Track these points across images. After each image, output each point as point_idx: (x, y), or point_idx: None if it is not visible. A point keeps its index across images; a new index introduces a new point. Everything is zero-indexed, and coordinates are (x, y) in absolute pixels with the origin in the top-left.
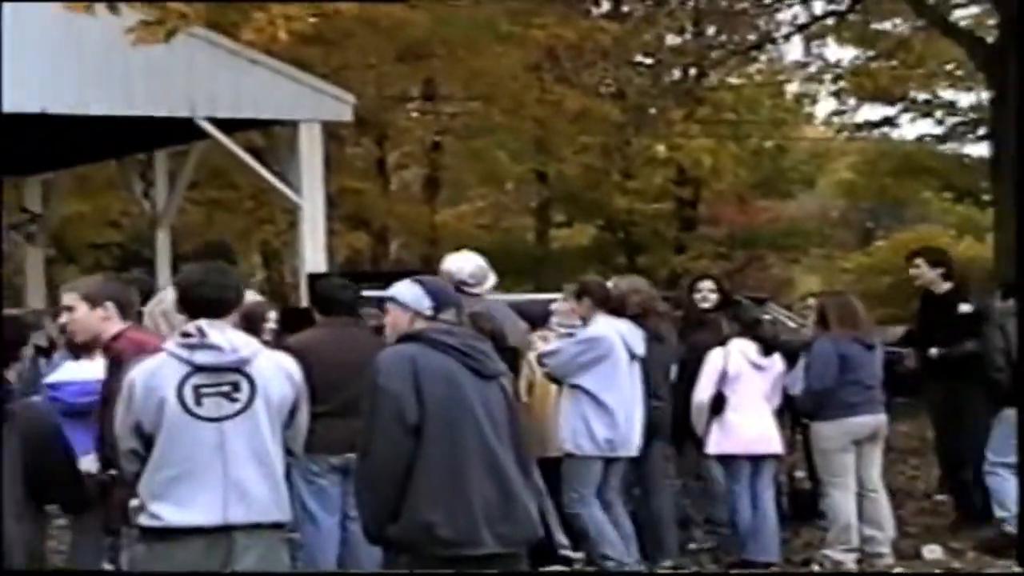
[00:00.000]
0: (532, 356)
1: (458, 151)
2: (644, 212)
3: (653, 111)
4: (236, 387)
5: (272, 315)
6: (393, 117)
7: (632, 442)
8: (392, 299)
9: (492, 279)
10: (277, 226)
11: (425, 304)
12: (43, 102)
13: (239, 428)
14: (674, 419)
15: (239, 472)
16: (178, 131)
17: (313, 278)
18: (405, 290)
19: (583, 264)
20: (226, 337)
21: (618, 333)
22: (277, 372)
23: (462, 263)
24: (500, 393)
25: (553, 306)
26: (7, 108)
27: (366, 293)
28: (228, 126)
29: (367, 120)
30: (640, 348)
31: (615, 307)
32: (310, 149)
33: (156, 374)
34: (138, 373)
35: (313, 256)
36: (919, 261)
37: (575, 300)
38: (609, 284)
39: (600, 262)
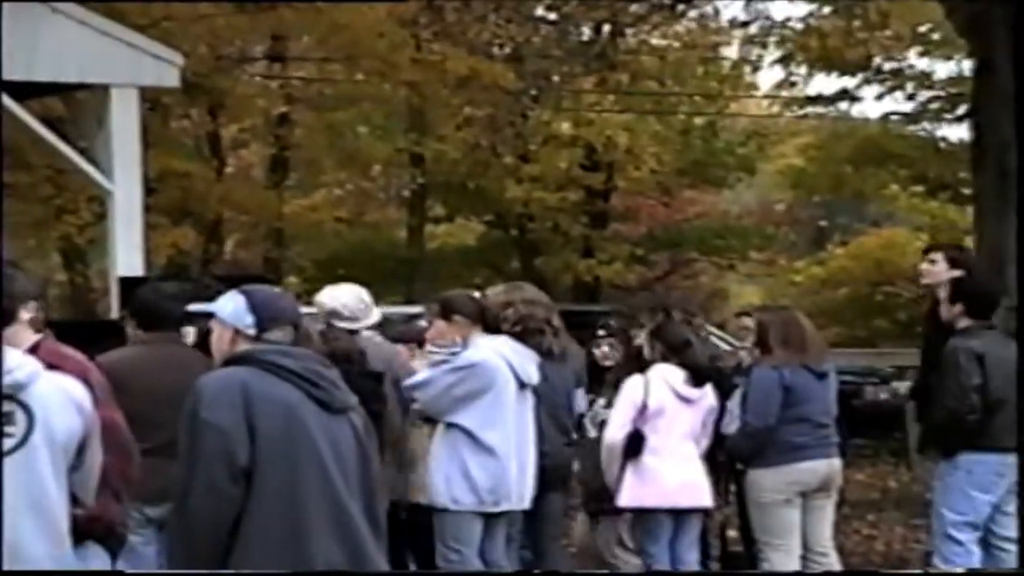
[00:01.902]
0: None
1: (311, 125)
2: (544, 204)
3: (556, 78)
4: (8, 419)
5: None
6: (230, 82)
7: (523, 492)
8: (212, 314)
9: (375, 315)
10: (81, 217)
11: (246, 320)
12: None
13: (12, 470)
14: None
15: (11, 526)
16: None
17: (127, 283)
18: (225, 302)
19: (467, 269)
20: None
21: (502, 357)
22: (62, 400)
23: (337, 292)
24: (350, 431)
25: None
26: None
27: (190, 308)
28: (19, 91)
29: (197, 86)
30: (532, 374)
31: (492, 324)
32: (124, 121)
33: None
34: None
35: (127, 256)
36: (937, 256)
37: (443, 320)
38: (492, 292)
39: (488, 266)
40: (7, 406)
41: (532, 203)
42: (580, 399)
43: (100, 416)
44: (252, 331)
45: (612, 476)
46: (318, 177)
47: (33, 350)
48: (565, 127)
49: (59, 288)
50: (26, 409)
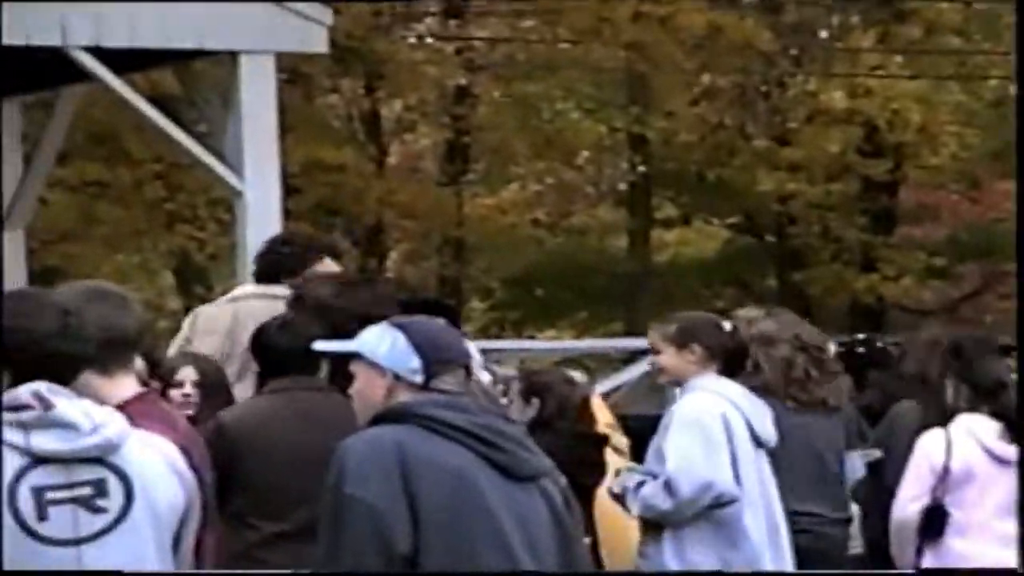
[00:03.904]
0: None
1: (498, 101)
2: (808, 200)
3: (824, 34)
4: (101, 489)
5: (187, 374)
6: (393, 47)
7: None
8: (358, 355)
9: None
10: (203, 226)
11: (410, 364)
12: None
13: (109, 554)
14: (869, 542)
15: None
16: (40, 70)
17: None
18: (377, 340)
19: (706, 287)
20: (81, 409)
21: (734, 405)
22: (159, 463)
23: None
24: (543, 503)
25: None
26: None
27: (318, 346)
28: (119, 62)
29: (351, 51)
30: (770, 432)
31: (741, 363)
32: (257, 99)
33: None
34: None
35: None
36: None
37: (675, 348)
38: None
39: (734, 283)
40: (97, 472)
41: (793, 199)
42: (856, 464)
43: None
44: (419, 378)
45: (906, 562)
46: (507, 168)
47: (121, 408)
48: (837, 98)
49: (171, 319)
50: (121, 476)
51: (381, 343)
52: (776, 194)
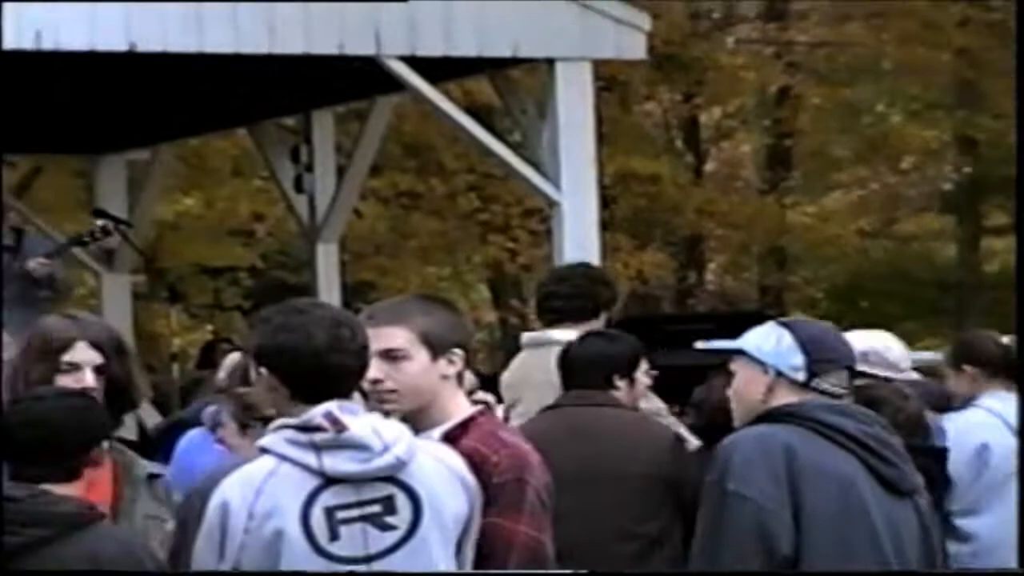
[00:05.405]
0: None
1: (819, 107)
2: None
3: None
4: (390, 506)
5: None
6: (713, 51)
7: None
8: (741, 351)
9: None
10: (516, 237)
11: (794, 360)
12: (131, 35)
13: (398, 570)
14: None
15: None
16: (353, 80)
17: None
18: (762, 338)
19: None
20: (371, 426)
21: (1006, 425)
22: (445, 475)
23: (867, 335)
24: (915, 519)
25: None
26: (80, 45)
27: (700, 345)
28: (432, 71)
29: (670, 58)
30: None
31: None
32: (574, 107)
33: (264, 492)
34: (231, 491)
35: None
36: None
37: (953, 372)
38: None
39: None
40: (385, 490)
41: None
42: None
43: (522, 533)
44: (801, 376)
45: None
46: (829, 175)
47: (462, 429)
48: None
49: (487, 332)
50: (410, 493)
51: (766, 341)
52: None
